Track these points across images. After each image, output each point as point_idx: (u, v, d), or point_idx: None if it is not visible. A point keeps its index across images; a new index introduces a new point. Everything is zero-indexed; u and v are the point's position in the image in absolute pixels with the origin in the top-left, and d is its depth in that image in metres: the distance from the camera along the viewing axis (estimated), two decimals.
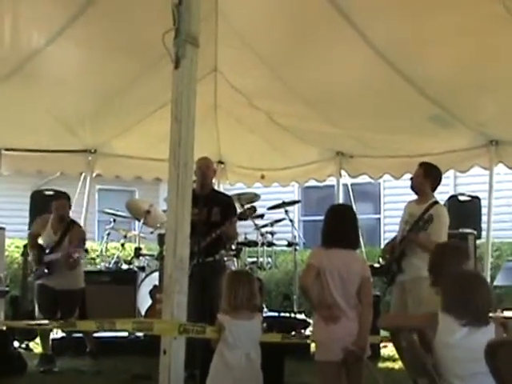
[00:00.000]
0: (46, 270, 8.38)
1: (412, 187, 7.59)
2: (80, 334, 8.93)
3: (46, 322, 8.10)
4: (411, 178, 7.63)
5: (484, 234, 9.94)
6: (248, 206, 10.14)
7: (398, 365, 7.39)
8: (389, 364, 7.31)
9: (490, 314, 4.26)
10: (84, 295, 8.86)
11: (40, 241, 8.74)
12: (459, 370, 4.03)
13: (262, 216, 10.95)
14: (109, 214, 11.93)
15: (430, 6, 5.99)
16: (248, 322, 4.94)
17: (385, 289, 7.75)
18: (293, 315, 10.45)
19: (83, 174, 11.09)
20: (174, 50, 4.56)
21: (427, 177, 7.48)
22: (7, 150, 10.18)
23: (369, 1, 6.22)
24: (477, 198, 10.67)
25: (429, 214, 7.16)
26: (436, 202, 7.43)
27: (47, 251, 8.48)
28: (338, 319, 5.08)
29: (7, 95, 7.95)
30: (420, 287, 6.23)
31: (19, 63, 7.39)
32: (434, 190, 7.51)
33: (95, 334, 8.89)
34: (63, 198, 8.84)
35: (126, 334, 9.27)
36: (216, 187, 10.50)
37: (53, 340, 8.77)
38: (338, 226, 5.41)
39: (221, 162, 12.24)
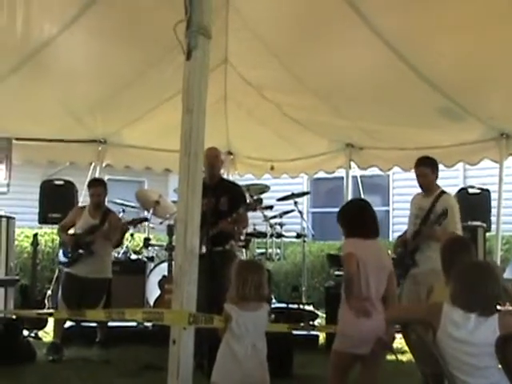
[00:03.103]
0: (82, 252, 8.43)
1: (421, 186, 7.59)
2: (89, 324, 8.95)
3: (57, 310, 8.12)
4: (418, 177, 7.61)
5: (494, 227, 9.93)
6: (255, 197, 10.20)
7: (406, 357, 7.39)
8: (392, 357, 7.31)
9: (499, 307, 4.26)
10: (110, 286, 8.92)
11: (71, 231, 8.81)
12: (461, 363, 4.03)
13: (271, 207, 10.98)
14: (118, 204, 11.95)
15: None
16: (255, 312, 4.94)
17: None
18: (301, 306, 10.48)
19: (93, 164, 11.12)
20: (185, 41, 4.56)
21: (433, 172, 7.52)
22: (18, 139, 10.19)
23: None
24: (487, 190, 10.64)
25: (443, 208, 7.17)
26: (443, 192, 7.45)
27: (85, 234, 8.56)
28: (370, 313, 5.09)
29: (18, 85, 7.96)
30: (432, 279, 6.22)
31: (30, 54, 7.38)
32: (437, 179, 7.56)
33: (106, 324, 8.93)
34: (99, 185, 8.88)
35: (134, 324, 9.29)
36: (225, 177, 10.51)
37: (64, 329, 8.77)
38: (368, 217, 5.48)
39: (230, 153, 12.25)
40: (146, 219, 9.58)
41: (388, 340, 5.11)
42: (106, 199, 9.13)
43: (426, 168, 7.53)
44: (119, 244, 9.11)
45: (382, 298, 5.26)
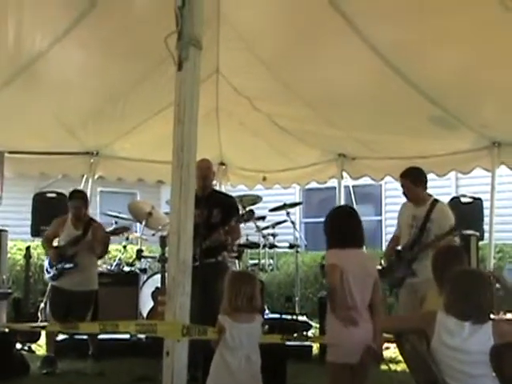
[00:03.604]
0: (66, 265, 8.39)
1: (406, 197, 7.60)
2: (82, 336, 8.92)
3: (49, 323, 8.11)
4: (404, 193, 7.63)
5: (486, 235, 9.94)
6: (247, 209, 10.20)
7: (401, 367, 7.39)
8: (391, 366, 7.30)
9: (492, 316, 4.27)
10: (97, 297, 8.89)
11: (55, 243, 8.76)
12: (455, 371, 4.03)
13: (263, 218, 10.98)
14: (111, 216, 11.94)
15: (431, 9, 5.98)
16: (248, 324, 4.94)
17: (388, 291, 7.76)
18: (294, 317, 10.46)
19: (85, 176, 11.10)
20: (176, 52, 4.57)
21: (416, 184, 7.49)
22: (10, 152, 10.18)
23: (371, 4, 6.21)
24: (479, 199, 10.66)
25: (450, 225, 7.16)
26: (436, 200, 7.45)
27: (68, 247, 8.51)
28: (357, 322, 5.07)
29: (10, 98, 7.94)
30: (428, 287, 6.23)
31: (22, 66, 7.37)
32: (426, 188, 7.54)
33: (99, 337, 8.89)
34: (79, 197, 8.81)
35: (127, 336, 9.27)
36: (217, 189, 10.51)
37: (55, 342, 8.75)
38: (349, 225, 5.45)
39: (222, 164, 12.26)
40: (127, 228, 9.52)
41: (377, 348, 5.10)
42: (98, 211, 9.12)
43: (406, 180, 7.55)
44: (103, 254, 9.05)
45: (368, 306, 5.26)
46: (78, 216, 8.62)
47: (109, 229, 9.73)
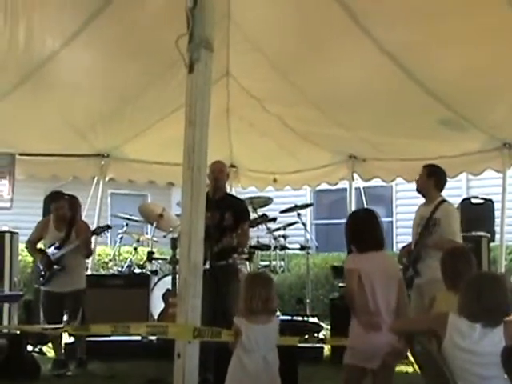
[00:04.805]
0: (55, 267, 8.35)
1: (417, 189, 7.62)
2: (92, 339, 8.91)
3: (60, 326, 8.10)
4: (416, 181, 7.66)
5: (497, 236, 9.91)
6: (260, 213, 10.19)
7: (412, 368, 7.36)
8: (403, 367, 7.27)
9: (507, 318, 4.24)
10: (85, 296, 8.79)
11: (40, 245, 8.72)
12: (467, 373, 4.02)
13: (274, 220, 10.97)
14: (121, 218, 11.95)
15: (441, 11, 5.98)
16: (264, 325, 4.92)
17: None
18: (305, 319, 10.45)
19: (96, 179, 11.13)
20: (187, 54, 4.56)
21: (430, 176, 7.52)
22: (21, 154, 10.21)
23: (380, 6, 6.21)
24: (490, 200, 10.64)
25: (434, 217, 7.19)
26: (443, 201, 7.44)
27: (54, 249, 8.45)
28: (379, 327, 5.05)
29: (21, 101, 7.97)
30: (433, 288, 6.20)
31: (32, 69, 7.41)
32: (440, 189, 7.54)
33: (109, 338, 8.87)
34: (59, 198, 8.69)
35: (138, 338, 9.25)
36: (228, 191, 10.50)
37: (66, 344, 8.76)
38: (369, 229, 5.42)
39: (233, 166, 12.26)
40: (108, 227, 9.46)
41: (402, 349, 5.08)
42: (109, 213, 9.09)
43: (423, 170, 7.58)
44: (89, 253, 8.98)
45: (395, 309, 5.24)
46: (61, 217, 8.56)
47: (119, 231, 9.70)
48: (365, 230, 5.42)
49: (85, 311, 8.57)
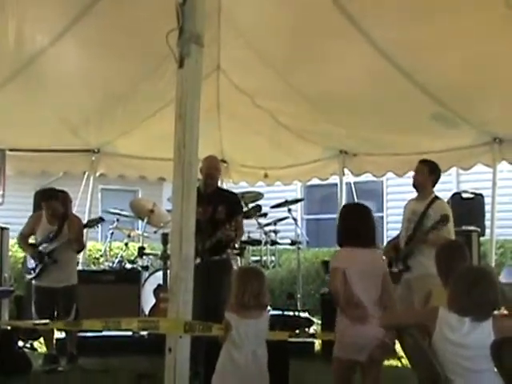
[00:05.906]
0: (46, 258, 8.31)
1: (414, 184, 7.62)
2: (84, 334, 8.91)
3: (50, 321, 8.10)
4: (414, 175, 7.67)
5: (488, 231, 9.94)
6: (253, 204, 10.18)
7: (402, 362, 7.38)
8: (393, 361, 7.30)
9: (495, 312, 4.27)
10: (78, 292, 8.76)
11: (31, 240, 8.69)
12: (457, 366, 4.04)
13: (265, 215, 10.98)
14: (112, 213, 11.94)
15: (434, 9, 6.00)
16: (255, 320, 4.93)
17: None
18: (296, 314, 10.47)
19: (86, 174, 11.12)
20: (178, 49, 4.55)
21: (431, 174, 7.54)
22: (11, 150, 10.19)
23: (373, 2, 6.22)
24: (480, 195, 10.67)
25: (442, 214, 7.18)
26: (437, 198, 7.47)
27: (46, 243, 8.43)
28: (365, 320, 5.07)
29: (11, 96, 7.95)
30: (425, 284, 6.22)
31: (23, 64, 7.39)
32: (434, 186, 7.57)
33: (100, 334, 8.88)
34: (52, 198, 8.63)
35: (129, 333, 9.26)
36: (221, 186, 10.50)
37: (57, 340, 8.76)
38: (359, 225, 5.42)
39: (224, 161, 12.24)
40: (102, 219, 9.45)
41: (390, 343, 5.10)
42: (100, 209, 9.07)
43: (423, 166, 7.57)
44: (81, 248, 8.97)
45: (380, 302, 5.26)
46: (52, 214, 8.53)
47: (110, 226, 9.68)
48: (356, 226, 5.41)
49: (78, 307, 8.57)
